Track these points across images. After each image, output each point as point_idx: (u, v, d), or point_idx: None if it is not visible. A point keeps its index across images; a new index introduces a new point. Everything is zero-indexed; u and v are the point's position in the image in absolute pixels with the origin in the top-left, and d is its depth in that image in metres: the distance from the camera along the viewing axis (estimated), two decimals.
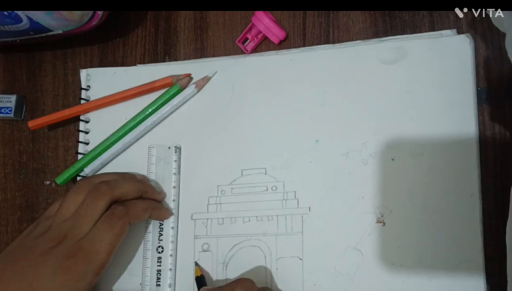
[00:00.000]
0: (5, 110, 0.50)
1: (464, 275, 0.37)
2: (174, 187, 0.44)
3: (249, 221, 0.43)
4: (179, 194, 0.45)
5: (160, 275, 0.43)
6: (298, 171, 0.42)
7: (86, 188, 0.40)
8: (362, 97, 0.42)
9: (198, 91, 0.46)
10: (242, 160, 0.44)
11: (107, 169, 0.47)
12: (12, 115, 0.50)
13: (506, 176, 0.39)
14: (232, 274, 0.42)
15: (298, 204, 0.42)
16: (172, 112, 0.46)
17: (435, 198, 0.39)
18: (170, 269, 0.43)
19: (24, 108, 0.52)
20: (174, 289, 0.43)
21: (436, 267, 0.38)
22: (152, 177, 0.45)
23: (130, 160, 0.46)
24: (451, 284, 0.38)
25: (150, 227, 0.44)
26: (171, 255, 0.43)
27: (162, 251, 0.43)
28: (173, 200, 0.44)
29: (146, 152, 0.45)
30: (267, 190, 0.43)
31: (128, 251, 0.44)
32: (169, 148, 0.45)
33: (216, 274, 0.43)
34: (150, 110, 0.46)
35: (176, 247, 0.44)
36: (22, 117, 0.51)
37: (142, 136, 0.46)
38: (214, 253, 0.43)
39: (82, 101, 0.49)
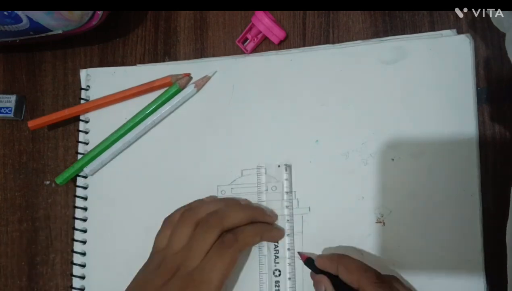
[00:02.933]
0: (5, 110, 0.50)
1: (464, 275, 0.37)
2: (287, 207, 0.42)
3: None
4: (292, 213, 0.42)
5: None
6: (298, 171, 0.42)
7: (194, 219, 0.40)
8: (362, 97, 0.42)
9: (198, 91, 0.46)
10: (242, 160, 0.44)
11: (108, 168, 0.47)
12: (12, 115, 0.50)
13: (506, 176, 0.39)
14: (232, 274, 0.42)
15: (298, 204, 0.42)
16: (171, 112, 0.46)
17: (435, 198, 0.39)
18: None
19: (24, 108, 0.52)
20: None
21: (436, 267, 0.38)
22: (263, 198, 0.43)
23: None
24: (451, 284, 0.38)
25: (265, 250, 0.42)
26: (289, 278, 0.41)
27: (279, 274, 0.41)
28: (287, 220, 0.42)
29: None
30: (267, 190, 0.43)
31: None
32: (279, 166, 0.43)
33: None
34: (149, 110, 0.46)
35: (294, 269, 0.41)
36: (22, 117, 0.51)
37: (141, 136, 0.46)
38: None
39: (82, 101, 0.49)
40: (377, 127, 0.41)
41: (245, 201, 0.43)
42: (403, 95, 0.41)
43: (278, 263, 0.42)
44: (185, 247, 0.39)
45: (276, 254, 0.42)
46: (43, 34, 0.46)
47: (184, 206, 0.43)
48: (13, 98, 0.50)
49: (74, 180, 0.48)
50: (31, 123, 0.48)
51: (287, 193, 0.42)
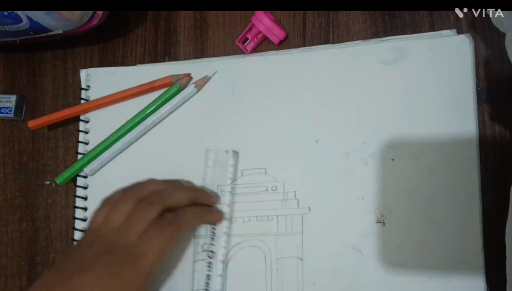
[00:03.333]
0: (5, 110, 0.50)
1: (464, 275, 0.37)
2: (229, 192, 0.43)
3: (249, 221, 0.43)
4: (234, 199, 0.43)
5: (209, 280, 0.42)
6: (298, 171, 0.42)
7: (134, 197, 0.40)
8: (362, 97, 0.42)
9: (198, 91, 0.46)
10: (242, 160, 0.44)
11: (108, 168, 0.47)
12: (12, 115, 0.50)
13: (506, 176, 0.39)
14: (232, 274, 0.42)
15: (298, 204, 0.42)
16: (171, 112, 0.46)
17: (435, 197, 0.39)
18: (220, 275, 0.42)
19: (24, 108, 0.52)
20: None
21: (436, 267, 0.38)
22: (207, 181, 0.44)
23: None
24: (451, 284, 0.38)
25: (203, 231, 0.43)
26: (222, 261, 0.42)
27: (212, 256, 0.42)
28: (228, 205, 0.43)
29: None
30: (267, 190, 0.43)
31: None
32: (226, 152, 0.44)
33: (216, 274, 0.43)
34: (149, 110, 0.46)
35: (228, 253, 0.42)
36: (22, 117, 0.51)
37: (141, 136, 0.46)
38: (214, 253, 0.43)
39: (82, 101, 0.49)
40: (377, 127, 0.41)
41: (188, 183, 0.43)
42: (403, 95, 0.41)
43: (213, 244, 0.42)
44: (124, 223, 0.38)
45: (213, 236, 0.42)
46: (43, 34, 0.46)
47: (124, 187, 0.42)
48: (13, 98, 0.50)
49: (74, 180, 0.48)
50: (31, 124, 0.48)
51: (231, 178, 0.43)
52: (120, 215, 0.39)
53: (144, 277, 0.37)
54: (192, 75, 0.46)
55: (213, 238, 0.42)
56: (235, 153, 0.43)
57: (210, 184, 0.44)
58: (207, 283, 0.41)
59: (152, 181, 0.42)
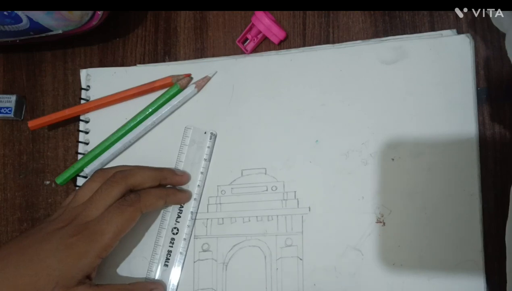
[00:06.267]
0: (5, 110, 0.50)
1: (464, 275, 0.37)
2: (201, 173, 0.44)
3: (249, 221, 0.43)
4: (205, 180, 0.44)
5: (169, 256, 0.43)
6: (298, 171, 0.42)
7: (102, 177, 0.41)
8: (362, 97, 0.42)
9: (198, 91, 0.46)
10: (242, 160, 0.44)
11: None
12: (12, 115, 0.50)
13: (506, 176, 0.39)
14: (232, 274, 0.42)
15: (298, 204, 0.42)
16: (172, 113, 0.46)
17: (435, 197, 0.39)
18: (181, 253, 0.43)
19: (24, 108, 0.52)
20: (181, 273, 0.43)
21: (436, 267, 0.38)
22: (182, 158, 0.44)
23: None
24: (451, 284, 0.38)
25: (170, 208, 0.44)
26: (184, 239, 0.43)
27: (176, 233, 0.43)
28: (198, 186, 0.44)
29: (176, 134, 0.45)
30: (267, 190, 0.43)
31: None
32: (205, 132, 0.44)
33: (216, 274, 0.43)
34: (150, 110, 0.46)
35: (192, 232, 0.44)
36: (22, 117, 0.51)
37: (142, 136, 0.46)
38: (214, 253, 0.43)
39: (82, 101, 0.49)
40: (377, 127, 0.41)
41: (182, 172, 0.44)
42: (403, 95, 0.41)
43: (178, 222, 0.43)
44: (87, 200, 0.40)
45: (179, 214, 0.43)
46: (43, 34, 0.46)
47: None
48: (13, 98, 0.50)
49: (74, 180, 0.48)
50: (31, 124, 0.48)
51: (205, 160, 0.44)
52: (87, 192, 0.41)
53: (99, 252, 0.38)
54: (192, 76, 0.46)
55: (179, 216, 0.43)
56: (213, 135, 0.44)
57: (184, 161, 0.44)
58: (167, 258, 0.43)
59: (123, 165, 0.44)
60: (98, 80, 0.49)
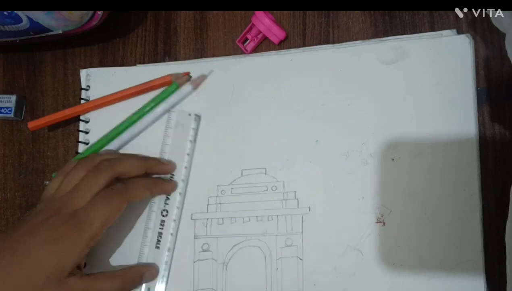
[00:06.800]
0: (5, 110, 0.50)
1: (464, 275, 0.37)
2: (188, 154, 0.44)
3: (249, 221, 0.43)
4: (191, 161, 0.45)
5: (160, 238, 0.43)
6: (298, 171, 0.42)
7: (87, 165, 0.41)
8: (362, 97, 0.42)
9: (195, 89, 0.46)
10: (242, 160, 0.44)
11: None
12: (12, 115, 0.50)
13: (506, 176, 0.39)
14: (232, 274, 0.42)
15: (298, 204, 0.42)
16: (168, 111, 0.46)
17: (435, 197, 0.39)
18: (171, 234, 0.43)
19: (24, 108, 0.52)
20: (173, 254, 0.43)
21: (436, 267, 0.38)
22: (168, 141, 0.45)
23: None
24: (451, 284, 0.38)
25: (156, 199, 0.44)
26: (174, 220, 0.44)
27: (166, 215, 0.43)
28: (185, 167, 0.44)
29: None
30: (267, 190, 0.43)
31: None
32: (189, 114, 0.45)
33: (216, 274, 0.43)
34: (147, 108, 0.46)
35: (181, 213, 0.44)
36: (22, 117, 0.51)
37: (138, 134, 0.46)
38: (214, 253, 0.43)
39: (82, 101, 0.49)
40: (377, 127, 0.41)
41: (168, 161, 0.44)
42: (403, 95, 0.41)
43: (167, 204, 0.44)
44: (73, 189, 0.40)
45: (168, 196, 0.44)
46: (43, 34, 0.46)
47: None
48: (13, 98, 0.50)
49: None
50: (31, 124, 0.48)
51: (191, 141, 0.45)
52: (72, 181, 0.40)
53: (87, 242, 0.38)
54: (192, 75, 0.46)
55: (168, 197, 0.44)
56: (197, 117, 0.45)
57: (170, 144, 0.45)
58: (158, 240, 0.43)
59: (107, 151, 0.44)
60: (98, 80, 0.49)
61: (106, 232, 0.40)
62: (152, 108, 0.46)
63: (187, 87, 0.45)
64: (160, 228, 0.43)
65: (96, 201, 0.39)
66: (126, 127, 0.46)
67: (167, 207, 0.44)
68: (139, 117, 0.46)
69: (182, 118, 0.45)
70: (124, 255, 0.44)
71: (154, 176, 0.44)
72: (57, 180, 0.42)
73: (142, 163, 0.43)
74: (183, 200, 0.44)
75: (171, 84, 0.46)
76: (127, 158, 0.43)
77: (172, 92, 0.46)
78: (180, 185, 0.44)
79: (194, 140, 0.45)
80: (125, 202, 0.40)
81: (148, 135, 0.46)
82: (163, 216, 0.44)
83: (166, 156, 0.45)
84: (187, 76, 0.46)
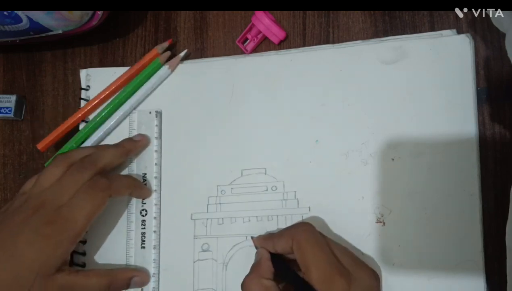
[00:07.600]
0: (5, 110, 0.50)
1: (464, 275, 0.37)
2: (156, 151, 0.45)
3: (249, 221, 0.43)
4: (161, 158, 0.45)
5: (144, 238, 0.44)
6: (298, 171, 0.42)
7: (65, 162, 0.40)
8: (362, 97, 0.42)
9: (172, 71, 0.46)
10: (242, 160, 0.44)
11: None
12: (12, 115, 0.50)
13: (506, 176, 0.39)
14: (232, 274, 0.42)
15: (298, 204, 0.42)
16: (148, 95, 0.46)
17: (435, 197, 0.39)
18: (155, 231, 0.44)
19: (24, 108, 0.52)
20: (159, 250, 0.44)
21: (436, 267, 0.38)
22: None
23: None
24: (451, 284, 0.38)
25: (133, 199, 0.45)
26: (155, 218, 0.44)
27: (146, 214, 0.44)
28: (155, 164, 0.45)
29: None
30: (267, 190, 0.43)
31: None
32: (150, 113, 0.46)
33: (216, 274, 0.43)
34: (128, 90, 0.46)
35: (160, 209, 0.44)
36: (22, 117, 0.51)
37: (122, 121, 0.47)
38: (214, 253, 0.43)
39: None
40: (377, 127, 0.41)
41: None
42: (403, 95, 0.41)
43: (145, 204, 0.44)
44: (55, 184, 0.39)
45: (144, 202, 0.45)
46: (43, 34, 0.46)
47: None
48: (13, 98, 0.50)
49: None
50: (40, 145, 0.47)
51: (156, 138, 0.45)
52: (50, 177, 0.40)
53: (73, 239, 0.38)
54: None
55: (144, 203, 0.44)
56: (158, 113, 0.46)
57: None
58: (143, 240, 0.44)
59: (82, 148, 0.45)
60: (98, 80, 0.49)
61: (90, 226, 0.40)
62: (133, 89, 0.46)
63: (164, 70, 0.46)
64: (142, 228, 0.44)
65: (80, 197, 0.39)
66: (108, 113, 0.47)
67: (145, 206, 0.44)
68: (121, 102, 0.46)
69: (144, 117, 0.46)
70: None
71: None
72: (33, 178, 0.41)
73: (120, 150, 0.43)
74: (160, 197, 0.45)
75: (157, 56, 0.46)
76: (105, 151, 0.42)
77: (155, 69, 0.46)
78: (153, 181, 0.45)
79: (159, 137, 0.45)
80: (108, 197, 0.40)
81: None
82: (143, 215, 0.44)
83: (134, 156, 0.45)
84: (167, 52, 0.46)
